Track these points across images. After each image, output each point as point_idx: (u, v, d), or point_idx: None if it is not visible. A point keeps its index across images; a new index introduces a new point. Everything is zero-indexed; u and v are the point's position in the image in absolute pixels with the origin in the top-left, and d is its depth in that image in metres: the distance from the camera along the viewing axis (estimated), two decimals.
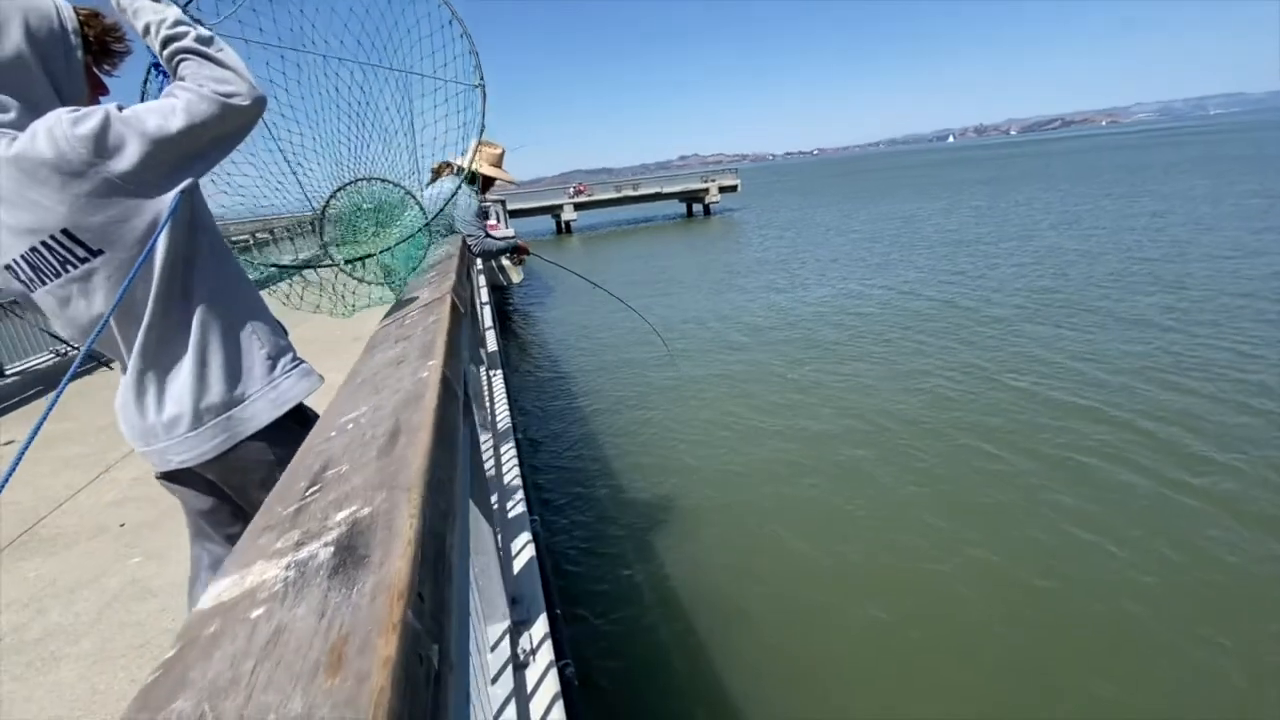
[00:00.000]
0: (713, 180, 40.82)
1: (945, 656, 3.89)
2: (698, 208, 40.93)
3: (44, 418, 0.96)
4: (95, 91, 1.27)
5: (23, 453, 0.93)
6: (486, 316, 6.16)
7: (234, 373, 1.28)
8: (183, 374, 1.24)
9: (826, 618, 4.31)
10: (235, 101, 1.17)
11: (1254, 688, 3.44)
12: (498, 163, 3.33)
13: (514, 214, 35.57)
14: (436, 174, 3.26)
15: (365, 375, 1.04)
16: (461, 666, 0.77)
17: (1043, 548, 4.75)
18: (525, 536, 2.50)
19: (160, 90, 1.29)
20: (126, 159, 1.10)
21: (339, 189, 1.83)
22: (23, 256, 1.13)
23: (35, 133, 1.07)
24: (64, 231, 1.11)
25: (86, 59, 1.23)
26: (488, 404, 3.56)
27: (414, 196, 1.92)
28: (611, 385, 9.45)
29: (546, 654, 1.86)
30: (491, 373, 4.34)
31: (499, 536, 1.97)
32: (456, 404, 0.83)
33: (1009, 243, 17.66)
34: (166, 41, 1.20)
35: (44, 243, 1.11)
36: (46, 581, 2.65)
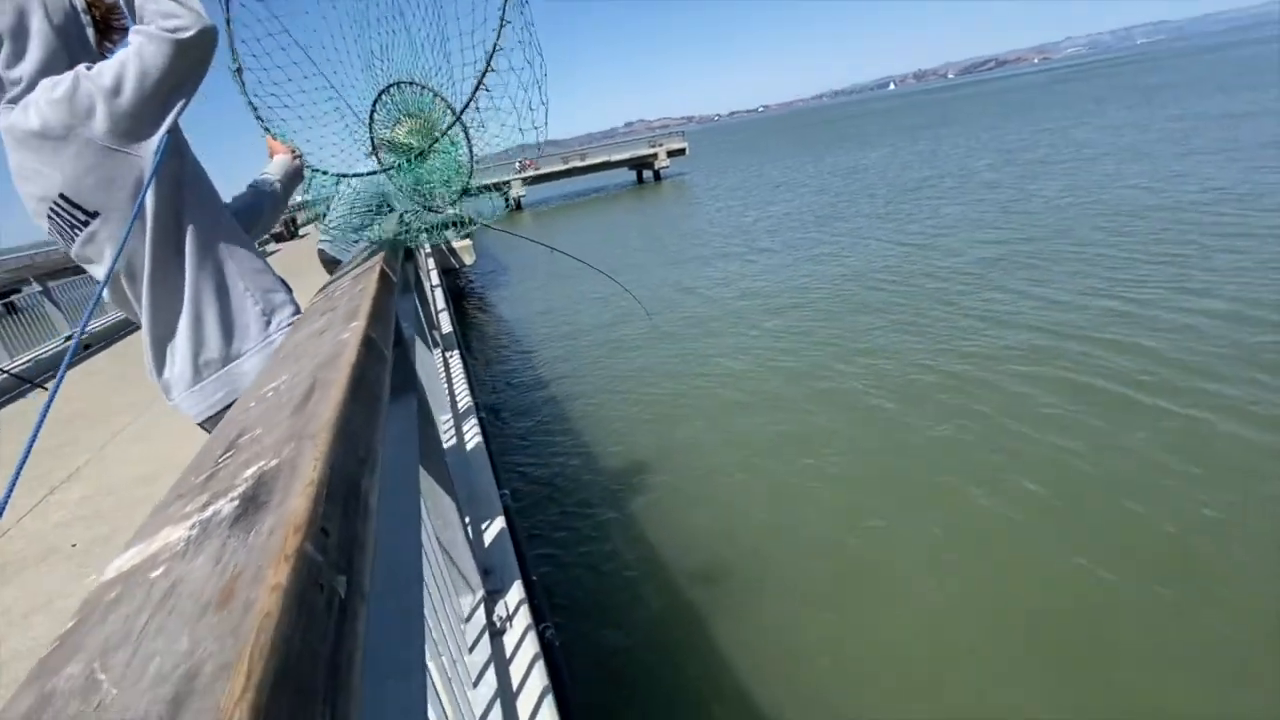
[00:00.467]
0: (660, 145, 40.35)
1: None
2: (648, 174, 40.49)
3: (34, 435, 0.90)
4: None
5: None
6: (439, 299, 6.03)
7: (228, 329, 1.33)
8: (182, 330, 1.31)
9: (794, 567, 4.44)
10: (181, 36, 1.18)
11: None
12: None
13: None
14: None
15: (288, 349, 1.00)
16: (407, 619, 0.77)
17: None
18: (495, 509, 2.49)
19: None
20: (99, 119, 1.14)
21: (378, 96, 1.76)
22: (48, 221, 1.21)
23: (26, 105, 1.14)
24: (63, 196, 1.16)
25: (98, 39, 1.30)
26: (444, 384, 3.50)
27: (442, 96, 1.78)
28: (578, 358, 9.41)
29: (524, 619, 1.87)
30: (448, 354, 4.26)
31: (464, 510, 1.95)
32: (381, 362, 0.81)
33: (947, 181, 18.03)
34: None
35: (52, 208, 1.18)
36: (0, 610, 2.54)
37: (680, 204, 27.90)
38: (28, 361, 6.90)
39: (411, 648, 0.72)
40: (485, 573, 1.99)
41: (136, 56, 1.15)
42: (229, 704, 0.26)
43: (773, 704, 3.48)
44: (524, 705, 1.58)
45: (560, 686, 1.78)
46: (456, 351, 4.40)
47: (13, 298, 8.32)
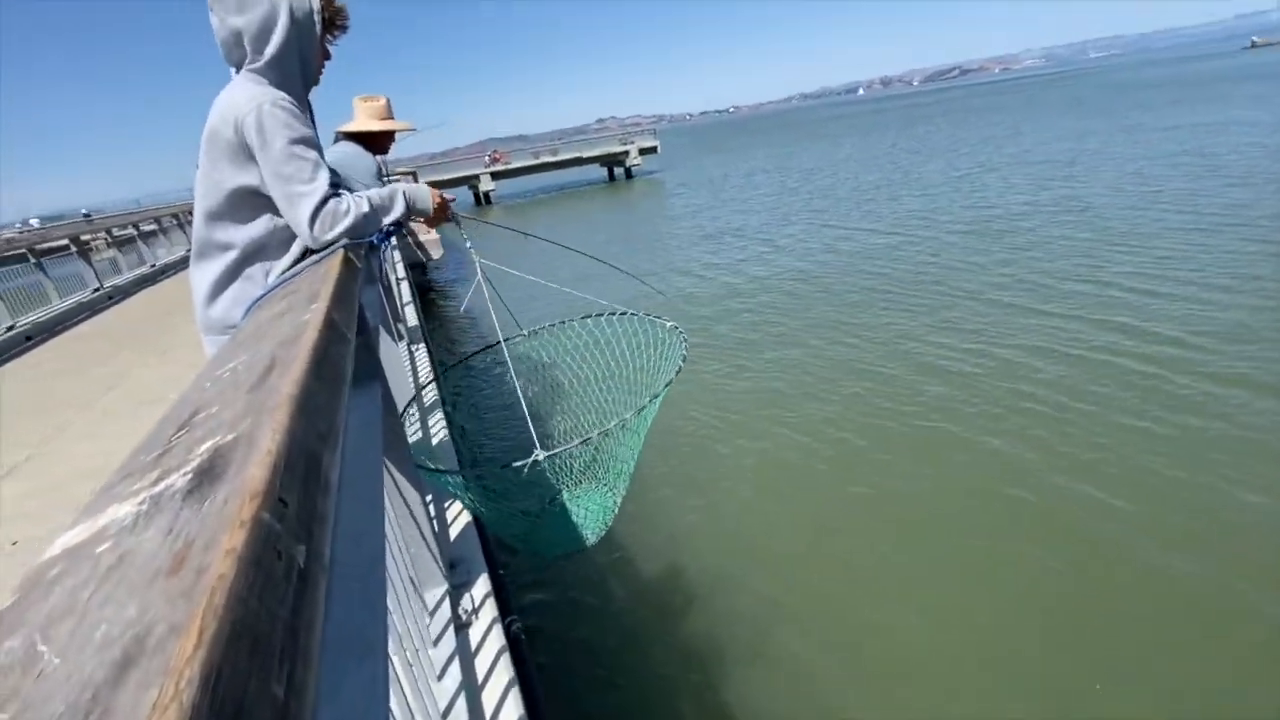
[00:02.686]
0: (632, 143, 40.30)
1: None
2: (619, 171, 40.38)
3: None
4: (323, 59, 1.65)
5: None
6: (405, 292, 5.93)
7: (236, 301, 1.56)
8: (204, 285, 1.59)
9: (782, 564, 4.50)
10: (385, 227, 1.64)
11: None
12: (385, 115, 3.12)
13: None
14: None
15: (248, 331, 0.97)
16: (370, 608, 0.75)
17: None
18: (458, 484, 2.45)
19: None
20: (300, 217, 1.51)
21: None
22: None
23: (275, 125, 1.45)
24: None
25: (322, 33, 1.61)
26: (410, 377, 3.44)
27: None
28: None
29: (490, 612, 1.86)
30: (414, 347, 4.19)
31: (430, 503, 1.93)
32: (344, 344, 0.79)
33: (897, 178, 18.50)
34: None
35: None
36: None
37: (652, 201, 27.94)
38: None
39: (373, 631, 0.70)
40: (451, 565, 1.97)
41: (358, 218, 1.51)
42: (179, 662, 0.25)
43: (745, 700, 3.50)
44: (489, 698, 1.57)
45: (527, 679, 1.77)
46: (423, 345, 4.33)
47: None
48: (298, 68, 1.56)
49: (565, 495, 1.90)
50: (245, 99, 1.45)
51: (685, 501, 5.25)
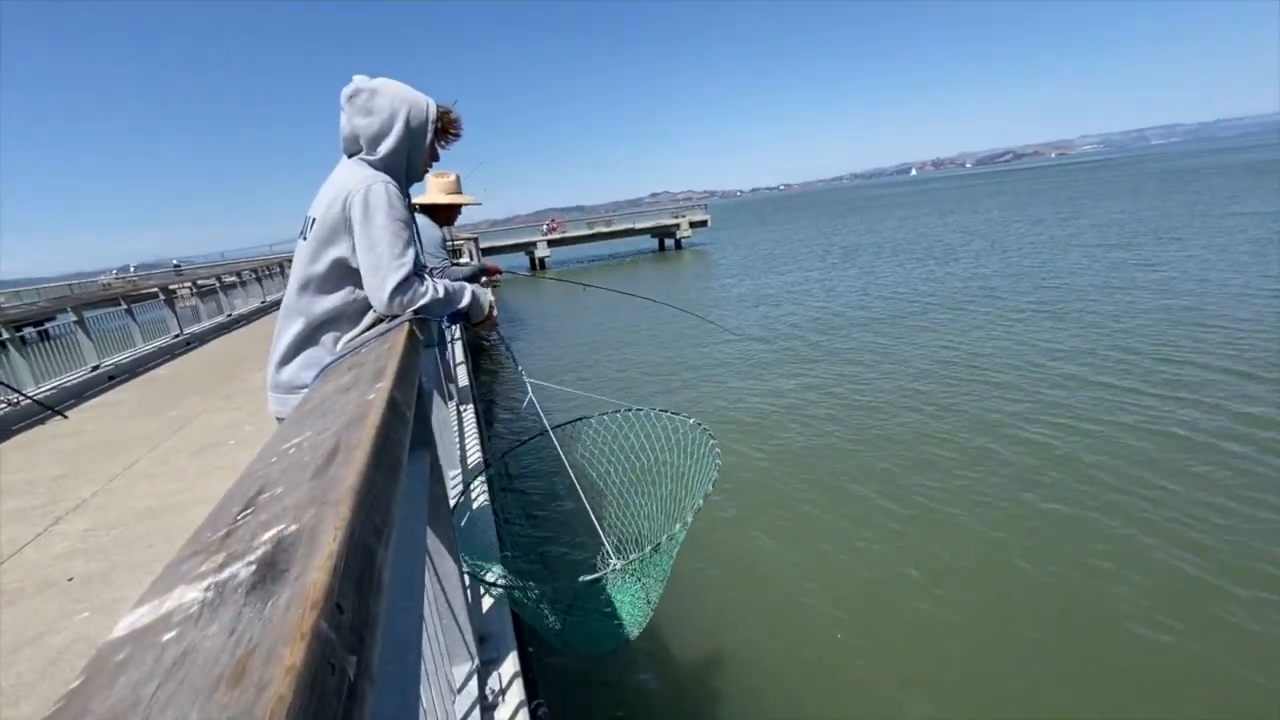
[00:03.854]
0: (683, 216, 41.55)
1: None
2: (669, 242, 41.52)
3: None
4: (430, 159, 1.79)
5: None
6: (458, 351, 6.11)
7: (307, 364, 1.67)
8: (280, 346, 1.69)
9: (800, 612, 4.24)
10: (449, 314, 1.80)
11: None
12: (454, 189, 3.33)
13: (487, 252, 35.54)
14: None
15: (314, 403, 1.02)
16: (403, 689, 0.74)
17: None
18: (497, 572, 2.43)
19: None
20: (379, 290, 1.61)
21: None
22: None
23: (351, 200, 1.60)
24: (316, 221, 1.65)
25: (433, 139, 1.76)
26: (456, 438, 3.50)
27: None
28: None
29: (517, 694, 1.80)
30: (462, 407, 4.28)
31: (466, 573, 1.92)
32: (404, 425, 0.82)
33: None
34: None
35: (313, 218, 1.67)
36: None
37: (699, 269, 28.50)
38: (52, 388, 7.03)
39: (407, 717, 0.69)
40: (481, 640, 1.93)
41: (432, 301, 1.64)
42: None
43: None
44: None
45: None
46: (471, 405, 4.42)
47: (47, 325, 8.57)
48: (404, 166, 1.72)
49: (601, 592, 1.87)
50: (357, 180, 1.60)
51: (729, 579, 5.06)
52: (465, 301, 1.77)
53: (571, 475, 1.99)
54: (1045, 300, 12.80)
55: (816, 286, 16.94)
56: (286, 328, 1.69)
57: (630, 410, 2.13)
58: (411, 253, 1.60)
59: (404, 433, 0.79)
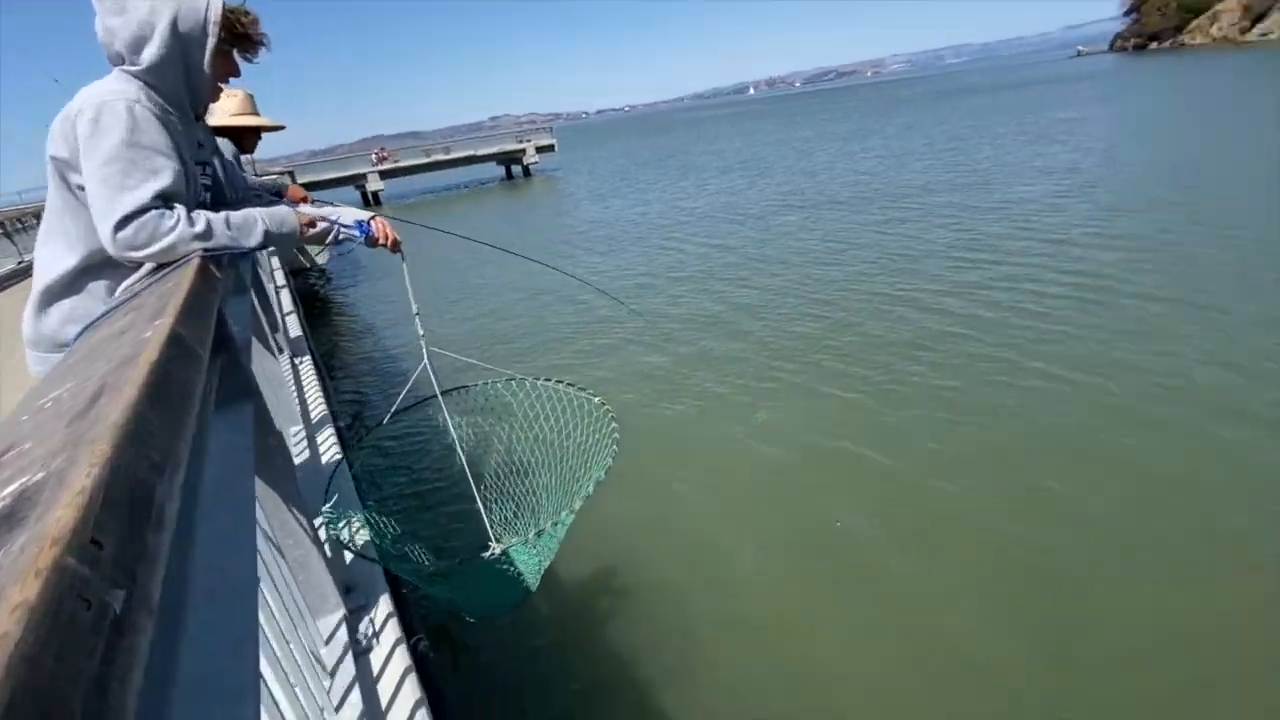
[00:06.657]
0: (529, 140, 39.67)
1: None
2: (517, 169, 39.66)
3: None
4: (226, 73, 1.52)
5: None
6: (285, 300, 5.52)
7: (71, 317, 1.43)
8: (35, 293, 1.45)
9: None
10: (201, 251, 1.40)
11: None
12: (246, 110, 2.87)
13: (307, 187, 31.74)
14: None
15: (80, 354, 0.87)
16: (239, 637, 0.70)
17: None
18: (363, 533, 2.32)
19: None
20: (104, 229, 1.35)
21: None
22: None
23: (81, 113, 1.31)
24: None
25: (225, 48, 1.46)
26: (294, 392, 3.21)
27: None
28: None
29: (393, 634, 1.77)
30: (298, 359, 3.91)
31: (320, 525, 1.81)
32: (193, 363, 0.72)
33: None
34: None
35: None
36: None
37: (553, 199, 27.68)
38: None
39: (242, 670, 0.65)
40: (347, 590, 1.86)
41: (180, 240, 1.33)
42: None
43: (674, 714, 3.27)
44: None
45: (437, 699, 1.71)
46: (308, 357, 4.05)
47: None
48: (182, 80, 1.43)
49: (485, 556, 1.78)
50: (92, 94, 1.32)
51: (626, 505, 5.07)
52: (255, 236, 1.41)
53: (457, 444, 1.85)
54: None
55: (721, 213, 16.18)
56: (44, 269, 1.43)
57: (528, 380, 2.01)
58: (150, 182, 1.30)
59: (193, 371, 0.70)
